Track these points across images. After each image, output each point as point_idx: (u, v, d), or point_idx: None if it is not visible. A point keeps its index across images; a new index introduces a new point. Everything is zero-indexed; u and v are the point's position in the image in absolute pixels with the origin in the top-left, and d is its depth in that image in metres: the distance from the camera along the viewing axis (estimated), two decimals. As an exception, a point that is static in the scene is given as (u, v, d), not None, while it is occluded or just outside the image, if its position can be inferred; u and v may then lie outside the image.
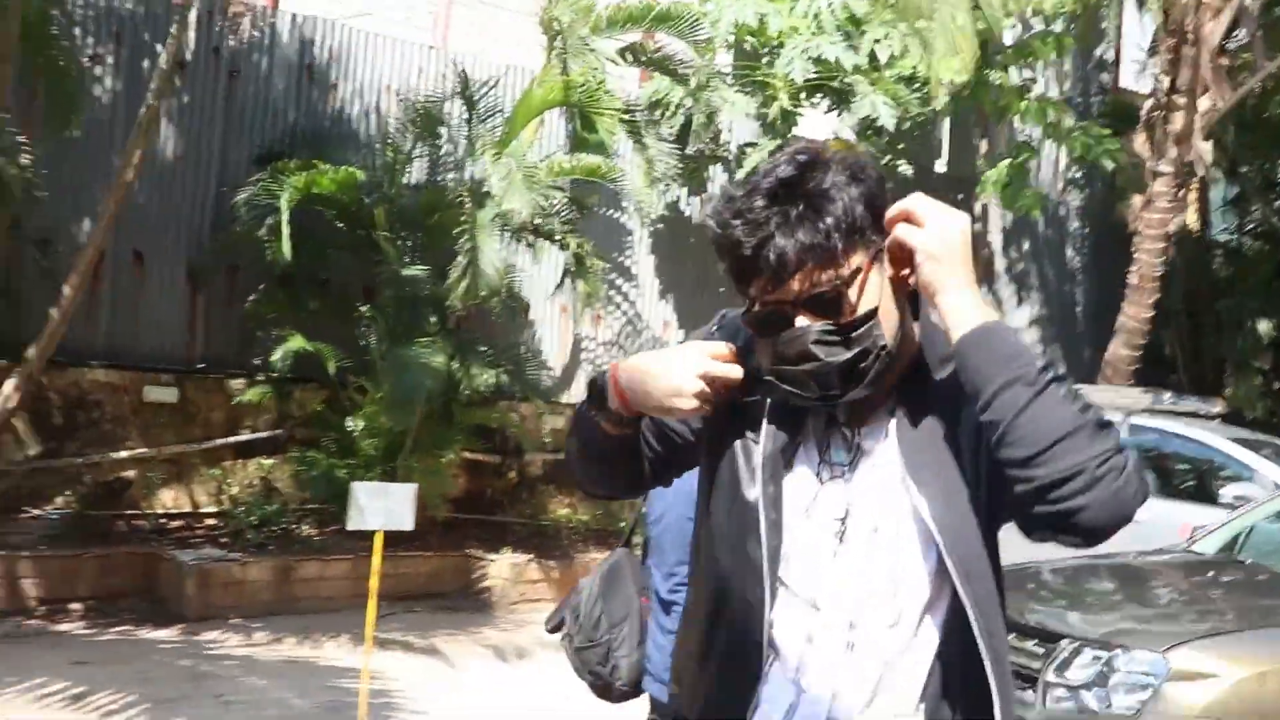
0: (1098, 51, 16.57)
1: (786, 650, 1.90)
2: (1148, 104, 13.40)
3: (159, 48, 9.25)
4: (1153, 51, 15.47)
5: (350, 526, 5.80)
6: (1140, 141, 13.59)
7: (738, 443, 1.94)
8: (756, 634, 1.89)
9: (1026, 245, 15.89)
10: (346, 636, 7.79)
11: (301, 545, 8.99)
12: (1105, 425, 1.71)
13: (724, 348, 1.86)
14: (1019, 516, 1.79)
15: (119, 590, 8.15)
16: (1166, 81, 12.96)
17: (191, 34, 9.27)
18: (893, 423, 1.90)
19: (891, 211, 1.85)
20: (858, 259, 1.80)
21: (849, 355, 1.79)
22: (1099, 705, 4.62)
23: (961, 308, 1.79)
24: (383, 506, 5.71)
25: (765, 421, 1.93)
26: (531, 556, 9.65)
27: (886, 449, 1.89)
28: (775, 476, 1.91)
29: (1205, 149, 13.03)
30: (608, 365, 1.96)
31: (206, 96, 9.82)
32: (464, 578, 9.44)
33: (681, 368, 1.83)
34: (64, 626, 7.65)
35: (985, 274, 14.45)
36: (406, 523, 5.76)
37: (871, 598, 1.87)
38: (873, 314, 1.80)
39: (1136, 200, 13.80)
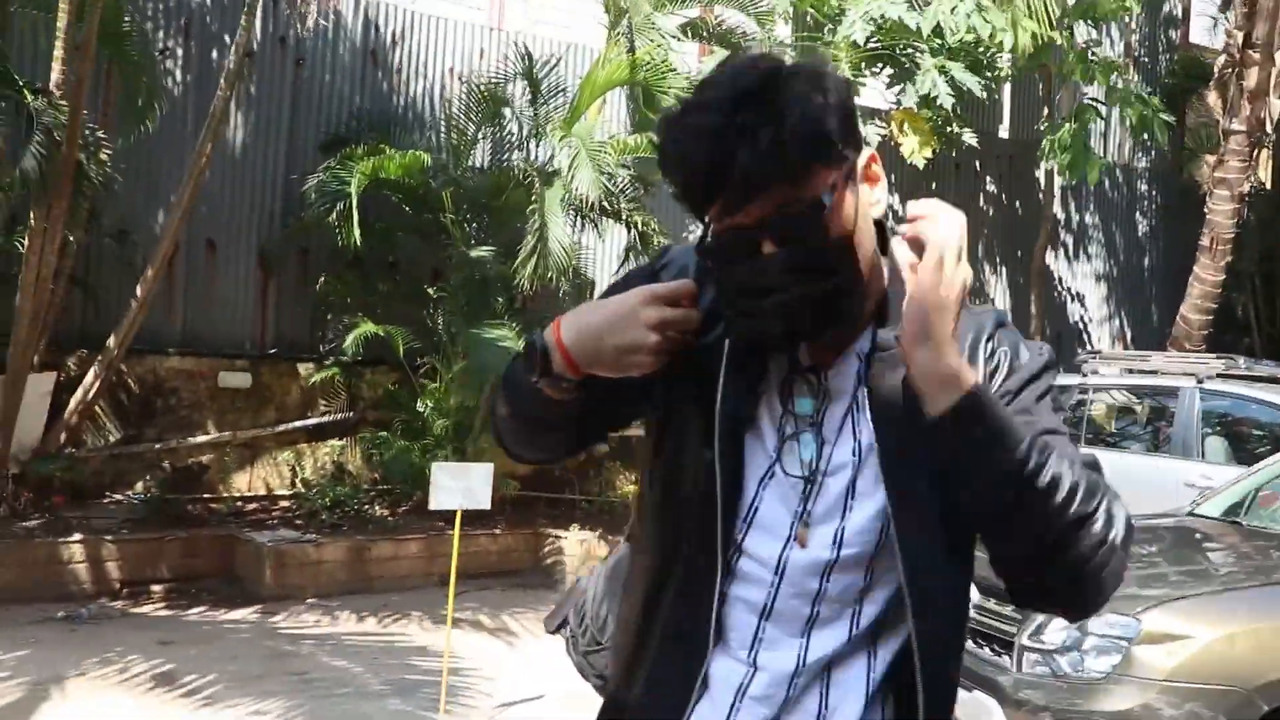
0: (1166, 7, 16.27)
1: (741, 624, 1.68)
2: (1220, 60, 13.19)
3: (226, 38, 9.41)
4: (1226, 5, 15.20)
5: (432, 506, 5.91)
6: (1212, 99, 13.39)
7: (692, 394, 1.69)
8: (706, 606, 1.68)
9: (1092, 208, 15.70)
10: (420, 615, 7.91)
11: (375, 525, 9.14)
12: (1091, 496, 1.54)
13: (678, 288, 1.64)
14: (1003, 582, 1.64)
15: (198, 572, 8.33)
16: (1241, 36, 12.75)
17: (258, 24, 9.38)
18: (862, 367, 1.68)
19: (915, 211, 1.60)
20: (829, 178, 1.56)
21: (823, 286, 1.58)
22: (1071, 669, 4.59)
23: (953, 366, 1.54)
24: (462, 486, 5.81)
25: (723, 369, 1.68)
26: (599, 533, 9.74)
27: (858, 397, 1.68)
28: (734, 432, 1.68)
29: (1280, 106, 12.83)
30: (543, 331, 1.67)
31: (274, 85, 9.98)
32: (535, 555, 9.56)
33: (634, 320, 1.59)
34: (146, 608, 7.83)
35: (1048, 241, 14.27)
36: (484, 501, 5.86)
37: (841, 568, 1.65)
38: (848, 240, 1.59)
39: (1208, 160, 13.62)
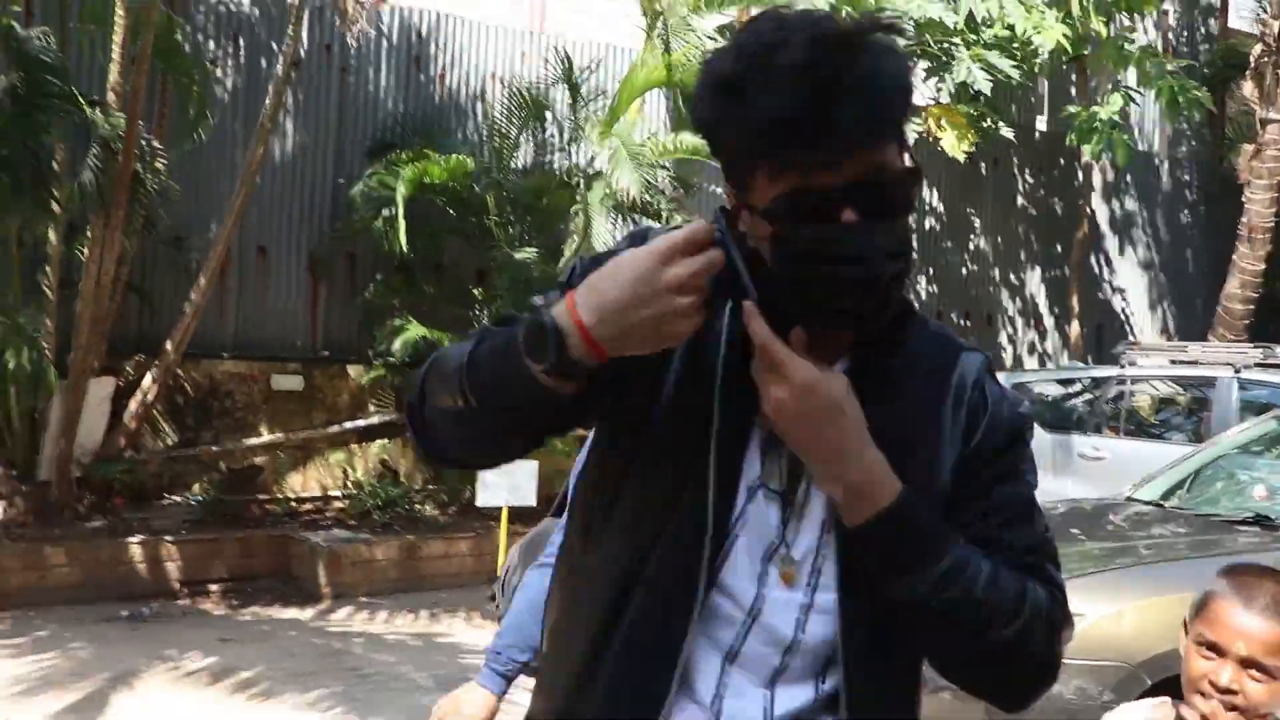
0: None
1: (705, 668, 1.49)
2: (1256, 49, 13.15)
3: (275, 46, 9.62)
4: (1260, -7, 15.12)
5: (479, 503, 6.10)
6: (1248, 89, 13.35)
7: (685, 393, 1.50)
8: (672, 646, 1.47)
9: (1134, 199, 15.68)
10: (469, 611, 8.07)
11: (425, 525, 9.31)
12: (1011, 619, 1.48)
13: (696, 232, 1.36)
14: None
15: (255, 571, 8.53)
16: (1276, 26, 12.71)
17: (305, 33, 9.57)
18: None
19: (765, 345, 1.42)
20: (901, 152, 1.44)
21: (896, 268, 1.43)
22: None
23: (858, 480, 1.44)
24: (508, 483, 5.99)
25: (720, 363, 1.50)
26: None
27: None
28: (735, 446, 1.50)
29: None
30: (553, 305, 1.38)
31: (321, 92, 10.19)
32: (581, 551, 9.71)
33: (657, 284, 1.32)
34: (205, 606, 8.03)
35: (1089, 233, 14.27)
36: (530, 498, 6.04)
37: (818, 610, 1.50)
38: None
39: (1246, 149, 13.57)
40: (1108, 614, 4.57)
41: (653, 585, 1.48)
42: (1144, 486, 6.47)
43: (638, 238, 1.51)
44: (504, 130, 10.13)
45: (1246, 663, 2.12)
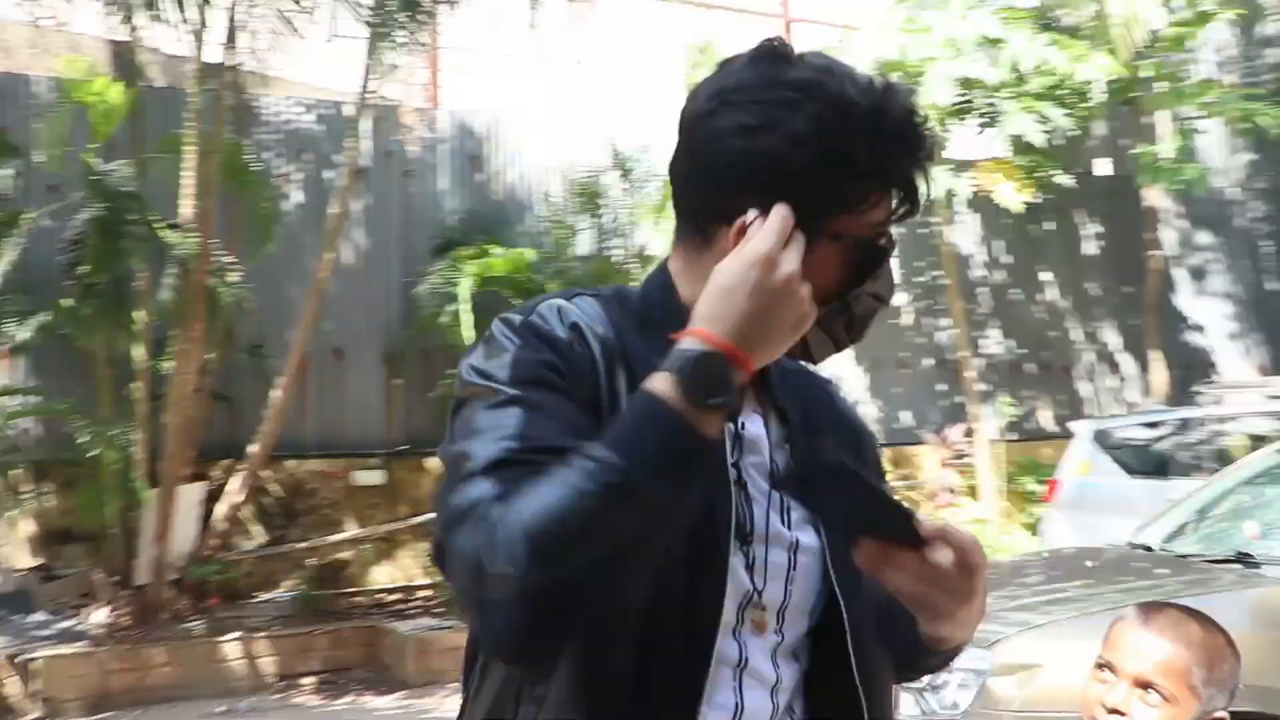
0: (1258, 28, 16.04)
1: None
2: (1316, 72, 13.01)
3: (337, 158, 10.06)
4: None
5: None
6: (1312, 113, 13.16)
7: None
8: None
9: (1208, 234, 15.46)
10: (557, 691, 8.21)
11: (510, 606, 9.49)
12: None
13: (785, 221, 1.33)
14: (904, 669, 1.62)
15: (346, 663, 8.75)
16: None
17: (368, 141, 10.01)
18: (770, 429, 1.51)
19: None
20: None
21: None
22: (937, 705, 4.55)
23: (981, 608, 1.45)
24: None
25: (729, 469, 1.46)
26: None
27: (774, 460, 1.50)
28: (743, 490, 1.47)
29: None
30: (697, 346, 1.29)
31: (385, 197, 10.63)
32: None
33: (778, 283, 1.30)
34: (299, 699, 8.25)
35: (1162, 273, 14.02)
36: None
37: (783, 652, 1.48)
38: None
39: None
40: (1067, 664, 4.34)
41: (657, 679, 1.37)
42: (1145, 530, 6.28)
43: (516, 325, 1.44)
44: (562, 220, 10.45)
45: (1140, 683, 2.06)
